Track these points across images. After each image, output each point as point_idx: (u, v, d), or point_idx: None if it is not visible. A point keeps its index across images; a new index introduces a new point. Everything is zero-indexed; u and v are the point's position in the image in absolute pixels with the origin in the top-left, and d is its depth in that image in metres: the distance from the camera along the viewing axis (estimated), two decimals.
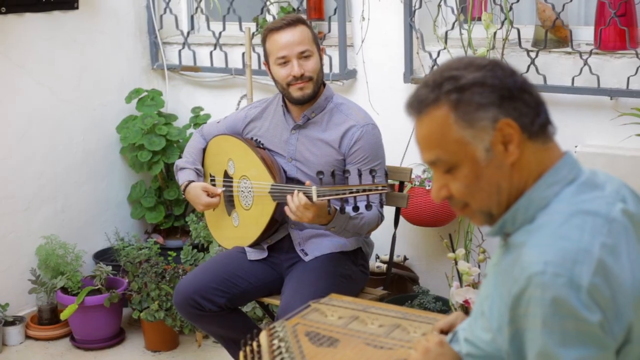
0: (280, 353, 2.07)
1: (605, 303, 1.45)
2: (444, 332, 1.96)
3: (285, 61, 3.03)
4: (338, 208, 2.78)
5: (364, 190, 2.72)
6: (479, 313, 1.71)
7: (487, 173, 1.59)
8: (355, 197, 2.74)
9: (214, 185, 3.32)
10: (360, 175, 2.82)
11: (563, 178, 1.59)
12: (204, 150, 3.38)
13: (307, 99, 3.07)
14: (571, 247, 1.47)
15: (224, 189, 3.25)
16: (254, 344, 2.13)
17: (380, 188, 2.72)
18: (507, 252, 1.61)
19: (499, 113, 1.55)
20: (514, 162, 1.58)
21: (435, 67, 3.63)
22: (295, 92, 3.05)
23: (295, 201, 2.79)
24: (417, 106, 1.62)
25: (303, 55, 3.03)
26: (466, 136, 1.57)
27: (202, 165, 3.38)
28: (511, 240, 1.61)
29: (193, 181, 3.28)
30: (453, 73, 1.59)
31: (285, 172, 3.14)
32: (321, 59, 3.11)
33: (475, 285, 3.11)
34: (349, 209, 2.85)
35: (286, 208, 2.86)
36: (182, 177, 3.32)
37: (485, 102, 1.55)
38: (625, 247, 1.52)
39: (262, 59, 3.29)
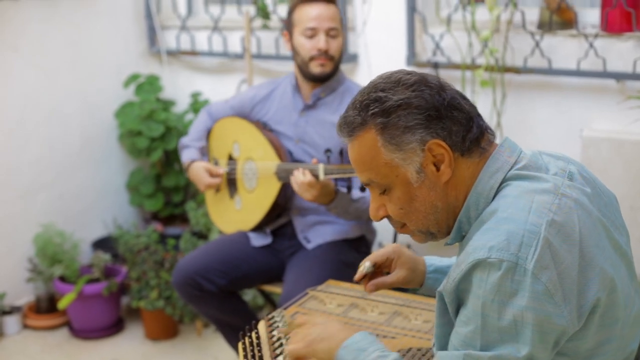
0: (281, 345, 2.03)
1: (553, 285, 1.43)
2: (378, 265, 1.96)
3: (313, 34, 3.02)
4: (344, 190, 2.76)
5: None
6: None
7: (421, 194, 1.58)
8: None
9: None
10: None
11: (504, 163, 1.58)
12: (209, 131, 3.36)
13: (325, 77, 3.07)
14: (517, 230, 1.45)
15: (227, 169, 3.24)
16: (253, 334, 2.08)
17: None
18: (463, 247, 1.59)
19: (427, 134, 1.54)
20: (448, 181, 1.57)
21: (438, 49, 3.58)
22: (315, 67, 3.04)
23: (300, 177, 2.80)
24: (347, 130, 1.61)
25: (330, 34, 3.04)
26: (395, 159, 1.56)
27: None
28: (467, 235, 1.59)
29: (196, 160, 3.26)
30: (379, 94, 1.57)
31: (291, 153, 3.12)
32: (343, 42, 3.12)
33: None
34: (355, 191, 2.84)
35: (292, 178, 2.85)
36: (185, 156, 3.33)
37: (412, 124, 1.54)
38: (576, 223, 1.50)
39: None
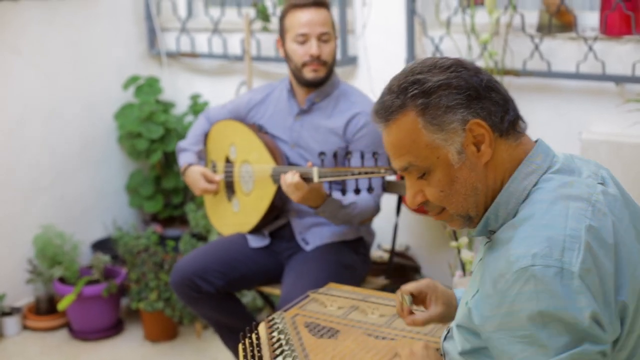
0: (281, 346, 2.04)
1: (596, 288, 1.43)
2: (412, 295, 1.95)
3: (304, 40, 3.03)
4: (339, 193, 2.76)
5: (366, 173, 2.68)
6: (464, 304, 1.68)
7: (461, 175, 1.58)
8: (356, 179, 2.72)
9: (215, 171, 3.31)
10: (362, 157, 2.81)
11: (538, 166, 1.59)
12: (207, 135, 3.37)
13: (318, 81, 3.07)
14: (557, 236, 1.45)
15: (222, 175, 3.24)
16: (253, 336, 2.09)
17: (382, 171, 2.68)
18: (492, 248, 1.58)
19: (468, 114, 1.55)
20: (488, 162, 1.57)
21: (437, 52, 3.59)
22: (308, 73, 3.04)
23: (289, 179, 2.79)
24: (384, 114, 1.60)
25: (322, 38, 3.04)
26: (436, 140, 1.56)
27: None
28: (496, 236, 1.58)
29: (192, 164, 3.26)
30: (417, 77, 1.57)
31: (287, 158, 3.12)
32: (336, 46, 3.10)
33: None
34: (349, 194, 2.85)
35: (282, 177, 2.85)
36: (182, 159, 3.33)
37: (453, 104, 1.54)
38: (611, 228, 1.51)
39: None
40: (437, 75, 1.56)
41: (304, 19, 3.02)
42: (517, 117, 1.61)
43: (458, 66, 1.58)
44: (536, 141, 1.65)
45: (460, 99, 1.54)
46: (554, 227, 1.47)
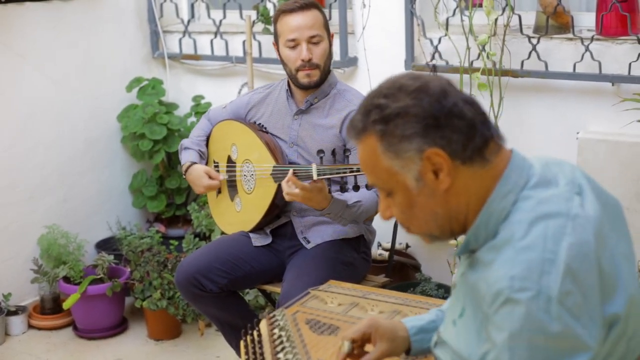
0: (282, 342, 2.07)
1: (579, 309, 1.42)
2: (355, 341, 1.89)
3: (295, 44, 3.05)
4: (338, 192, 2.78)
5: None
6: (450, 322, 1.69)
7: (420, 201, 1.58)
8: (355, 176, 2.74)
9: (218, 171, 3.34)
10: None
11: (515, 184, 1.56)
12: (208, 136, 3.40)
13: (313, 85, 3.09)
14: (536, 259, 1.44)
15: (227, 176, 3.27)
16: (255, 333, 2.13)
17: None
18: (473, 267, 1.58)
19: (424, 143, 1.53)
20: (449, 189, 1.56)
21: (436, 53, 3.63)
22: (302, 78, 3.07)
23: (286, 188, 2.81)
24: (353, 133, 1.62)
25: (312, 41, 3.04)
26: (394, 166, 1.56)
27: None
28: (477, 256, 1.57)
29: (195, 163, 3.29)
30: (380, 101, 1.56)
31: (286, 156, 3.14)
32: (330, 45, 3.12)
33: None
34: (349, 194, 2.86)
35: (282, 183, 2.86)
36: (184, 157, 3.35)
37: (409, 133, 1.53)
38: (592, 240, 1.49)
39: (272, 39, 3.26)
40: (399, 101, 1.54)
41: (293, 23, 3.04)
42: (485, 143, 1.56)
43: (420, 92, 1.54)
44: (510, 156, 1.60)
45: (417, 128, 1.52)
46: (533, 250, 1.45)
